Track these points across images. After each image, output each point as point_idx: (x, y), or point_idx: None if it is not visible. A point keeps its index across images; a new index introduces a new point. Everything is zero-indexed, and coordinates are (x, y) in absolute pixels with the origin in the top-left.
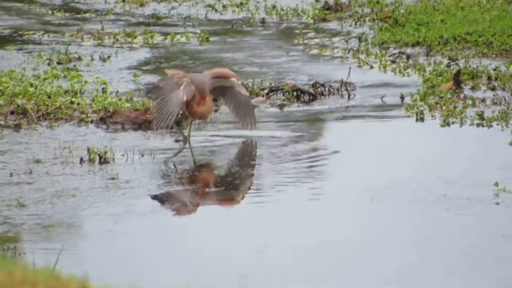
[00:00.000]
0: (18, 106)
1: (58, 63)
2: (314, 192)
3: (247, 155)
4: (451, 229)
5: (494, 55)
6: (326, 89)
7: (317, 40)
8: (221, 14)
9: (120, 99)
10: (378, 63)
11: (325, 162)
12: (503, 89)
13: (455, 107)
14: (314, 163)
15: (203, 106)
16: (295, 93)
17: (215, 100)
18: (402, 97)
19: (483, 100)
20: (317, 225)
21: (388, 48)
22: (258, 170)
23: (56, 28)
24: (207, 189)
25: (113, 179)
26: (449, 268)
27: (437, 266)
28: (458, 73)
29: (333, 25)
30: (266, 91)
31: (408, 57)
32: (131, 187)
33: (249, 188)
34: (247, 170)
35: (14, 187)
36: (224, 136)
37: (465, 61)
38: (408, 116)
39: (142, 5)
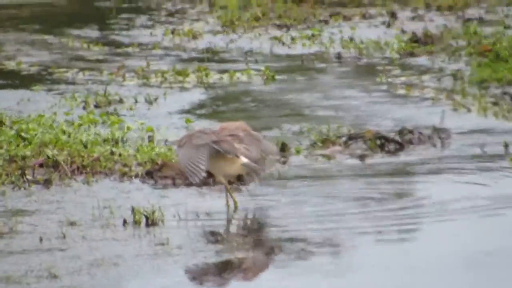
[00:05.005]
0: (48, 157)
1: (96, 106)
2: (405, 256)
3: (322, 215)
4: None
5: None
6: (415, 136)
7: (403, 78)
8: (289, 48)
9: (170, 149)
10: (477, 105)
11: (416, 222)
12: None
13: None
14: (404, 223)
15: None
16: (378, 141)
17: None
18: (505, 146)
19: None
20: None
21: (489, 87)
22: (336, 232)
23: (92, 65)
24: (275, 256)
25: (162, 244)
26: None
27: None
28: None
29: (422, 60)
30: (343, 139)
31: None
32: (184, 254)
33: (331, 256)
34: (322, 233)
35: (45, 254)
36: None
37: None
38: None
39: (194, 37)
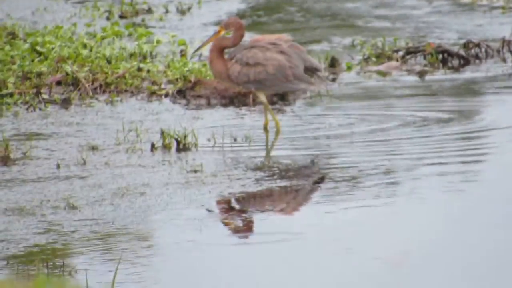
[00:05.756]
0: (67, 74)
1: (121, 16)
2: (468, 187)
3: (376, 139)
4: None
5: None
6: (483, 50)
7: None
8: None
9: (204, 65)
10: None
11: (483, 148)
12: None
13: None
14: (469, 149)
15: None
16: (440, 55)
17: None
18: None
19: None
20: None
21: None
22: (391, 160)
23: None
24: (322, 185)
25: (195, 172)
26: None
27: None
28: None
29: None
30: (401, 53)
31: None
32: (219, 182)
33: (383, 184)
34: (376, 160)
35: (62, 183)
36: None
37: None
38: None
39: None
